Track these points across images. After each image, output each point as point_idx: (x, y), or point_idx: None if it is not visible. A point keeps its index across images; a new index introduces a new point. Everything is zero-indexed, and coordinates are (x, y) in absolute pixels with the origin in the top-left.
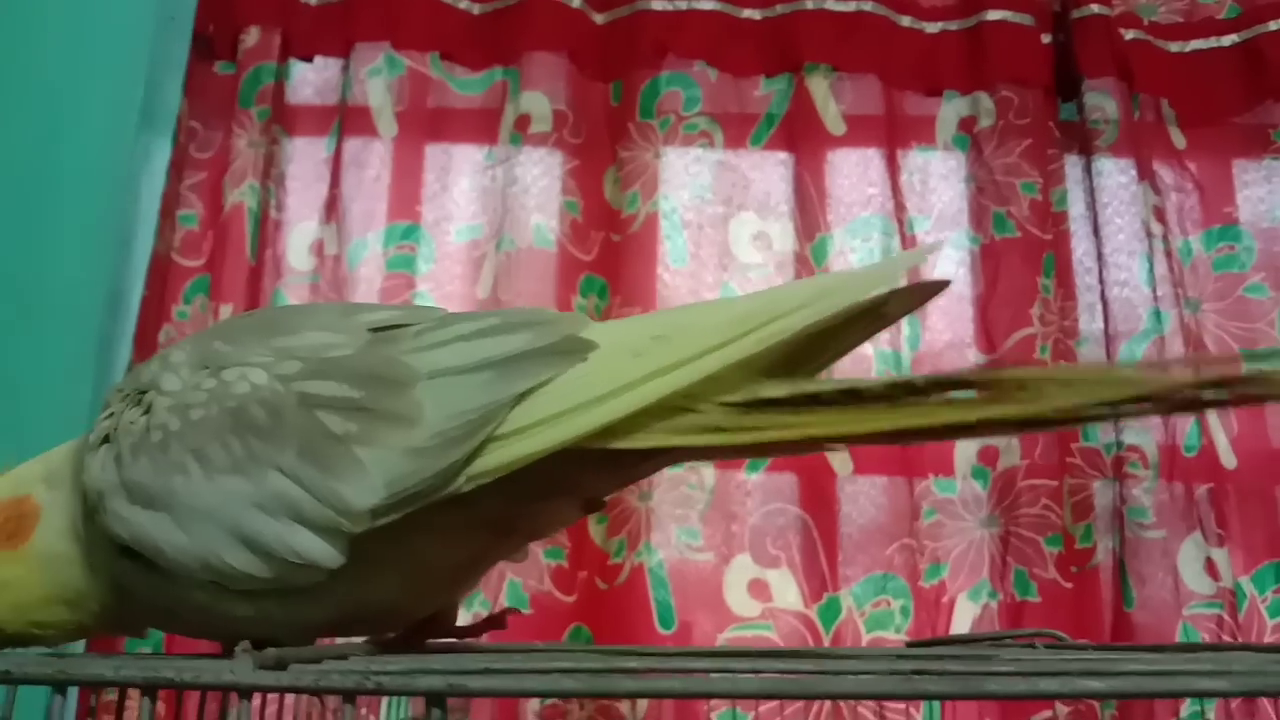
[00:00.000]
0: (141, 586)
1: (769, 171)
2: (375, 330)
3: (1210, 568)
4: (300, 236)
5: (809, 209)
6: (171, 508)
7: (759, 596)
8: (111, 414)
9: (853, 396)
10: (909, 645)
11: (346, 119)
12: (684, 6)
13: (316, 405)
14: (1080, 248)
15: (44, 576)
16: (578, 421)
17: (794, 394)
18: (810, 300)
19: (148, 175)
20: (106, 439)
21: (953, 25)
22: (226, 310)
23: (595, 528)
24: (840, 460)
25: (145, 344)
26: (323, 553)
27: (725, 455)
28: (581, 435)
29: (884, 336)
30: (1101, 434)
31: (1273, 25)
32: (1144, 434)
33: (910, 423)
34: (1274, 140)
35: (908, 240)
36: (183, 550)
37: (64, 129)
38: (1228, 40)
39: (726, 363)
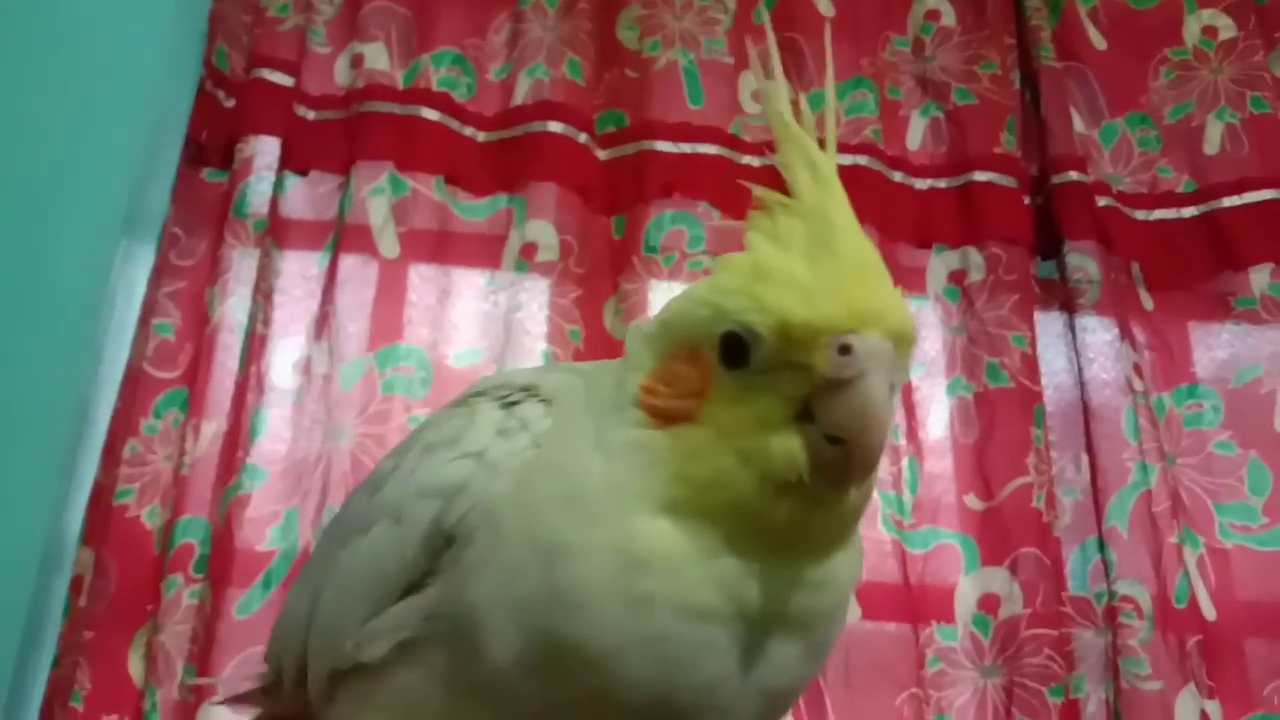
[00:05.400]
0: None
1: None
2: None
3: None
4: (285, 353)
5: None
6: None
7: None
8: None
9: None
10: None
11: (344, 236)
12: (688, 150)
13: None
14: (1065, 399)
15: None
16: None
17: None
18: None
19: (125, 282)
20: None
21: (941, 183)
22: (208, 427)
23: None
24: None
25: (111, 459)
26: None
27: None
28: None
29: (887, 479)
30: (1091, 583)
31: (1227, 202)
32: (1136, 585)
33: None
34: (1234, 307)
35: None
36: None
37: (42, 232)
38: (1188, 212)
39: None
